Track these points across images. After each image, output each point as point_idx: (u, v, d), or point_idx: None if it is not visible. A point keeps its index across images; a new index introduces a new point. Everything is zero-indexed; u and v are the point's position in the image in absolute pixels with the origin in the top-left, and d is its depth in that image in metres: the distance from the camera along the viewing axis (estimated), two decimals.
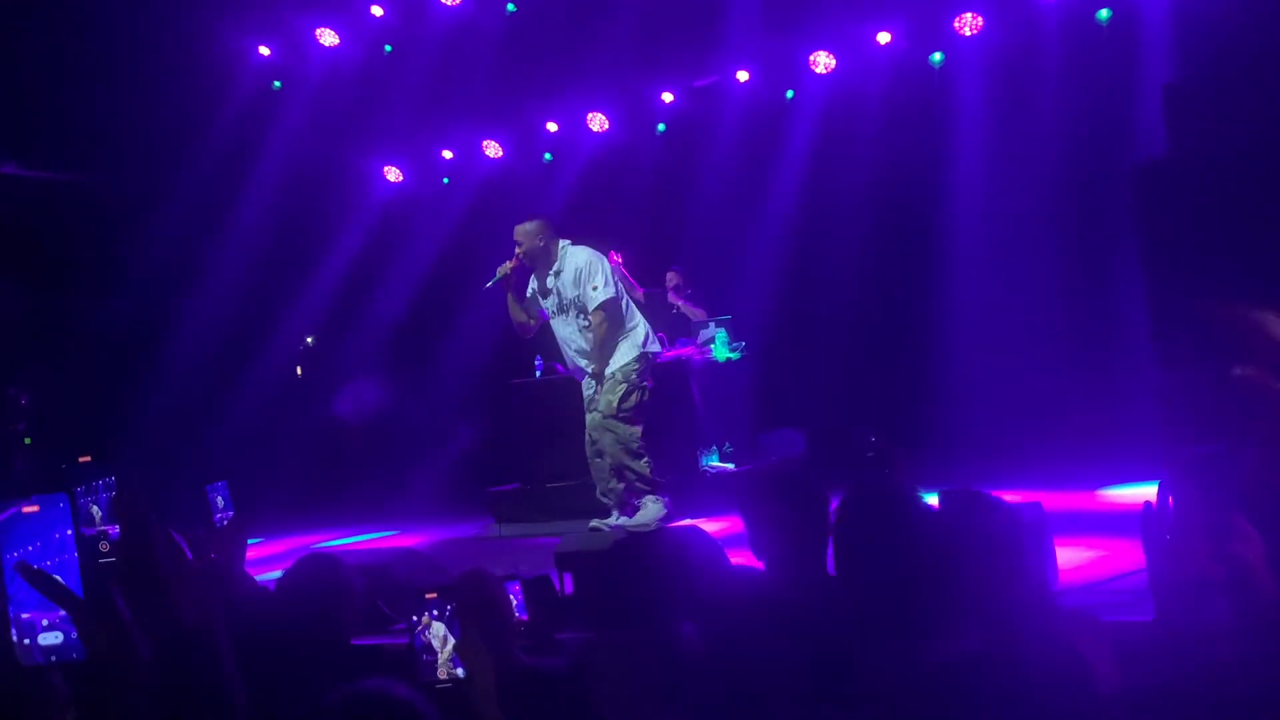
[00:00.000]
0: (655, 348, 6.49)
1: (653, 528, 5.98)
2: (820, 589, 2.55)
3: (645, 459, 6.24)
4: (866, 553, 2.14)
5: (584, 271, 6.26)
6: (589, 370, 6.40)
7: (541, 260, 6.35)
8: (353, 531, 8.50)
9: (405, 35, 9.64)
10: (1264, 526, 1.57)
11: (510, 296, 6.43)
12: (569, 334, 6.41)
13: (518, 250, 6.32)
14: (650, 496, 6.23)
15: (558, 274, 6.34)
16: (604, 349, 6.29)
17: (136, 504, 1.41)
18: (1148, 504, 1.65)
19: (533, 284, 6.49)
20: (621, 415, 6.23)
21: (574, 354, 6.46)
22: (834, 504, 2.45)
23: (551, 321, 6.50)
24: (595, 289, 6.24)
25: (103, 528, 1.42)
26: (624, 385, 6.26)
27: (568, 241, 6.38)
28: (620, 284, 6.48)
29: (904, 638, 2.00)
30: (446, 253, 10.54)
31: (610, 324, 6.28)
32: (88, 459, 1.45)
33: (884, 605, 2.07)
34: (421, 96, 9.68)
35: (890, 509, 2.18)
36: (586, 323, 6.32)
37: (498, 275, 6.33)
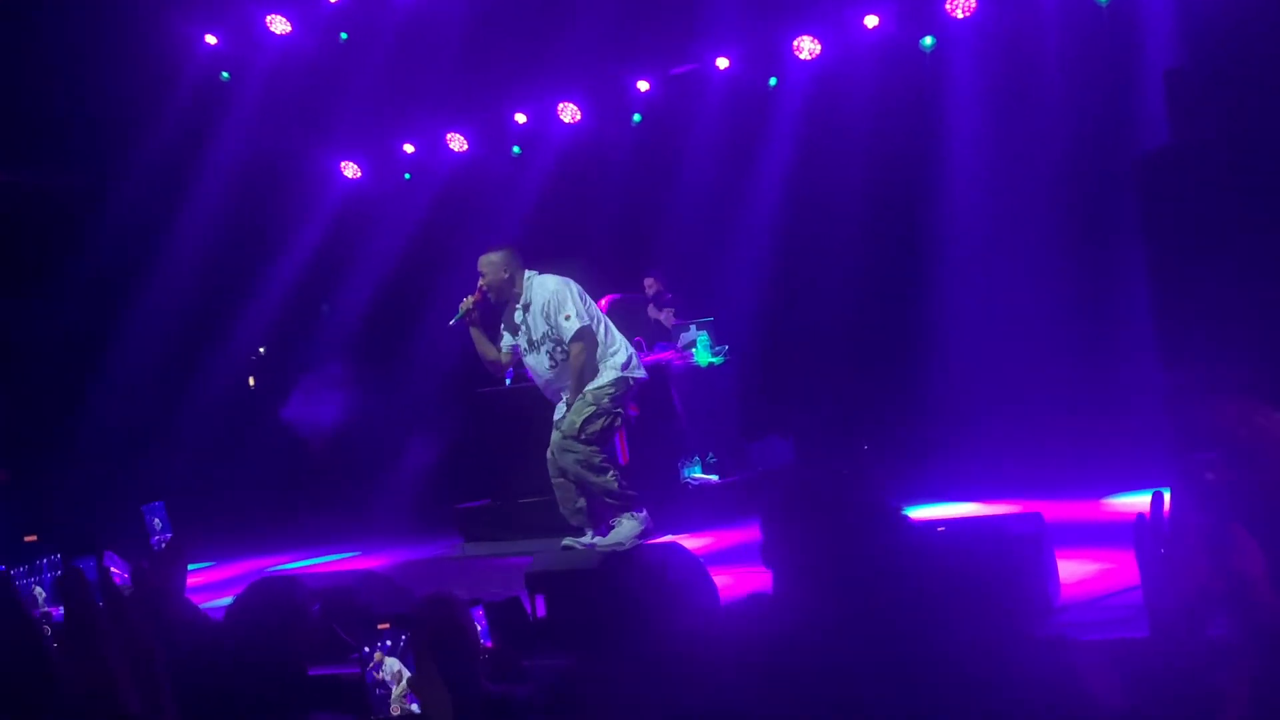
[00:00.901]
0: (639, 373, 6.43)
1: (627, 545, 5.96)
2: (822, 614, 2.54)
3: (611, 473, 6.21)
4: (841, 573, 2.13)
5: (552, 303, 6.18)
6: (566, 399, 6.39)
7: (506, 293, 6.28)
8: (310, 553, 8.45)
9: (362, 21, 9.61)
10: (1264, 538, 1.57)
11: (476, 332, 6.32)
12: (544, 370, 6.37)
13: (481, 282, 6.24)
14: (626, 514, 6.21)
15: (525, 308, 6.29)
16: (583, 379, 6.23)
17: (82, 586, 1.40)
18: (1140, 515, 1.65)
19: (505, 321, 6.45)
20: (583, 437, 6.20)
21: (554, 390, 6.44)
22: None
23: (524, 359, 6.44)
24: (568, 319, 6.15)
25: (46, 609, 1.40)
26: (593, 408, 6.20)
27: (534, 272, 6.33)
28: (593, 307, 6.42)
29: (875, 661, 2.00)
30: (409, 253, 10.51)
31: (589, 353, 6.22)
32: (33, 538, 1.44)
33: (858, 630, 2.07)
34: (380, 87, 9.65)
35: (868, 526, 2.18)
36: (564, 355, 6.26)
37: (460, 311, 6.24)
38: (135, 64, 9.11)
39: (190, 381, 10.18)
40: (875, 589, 2.20)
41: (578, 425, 6.17)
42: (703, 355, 7.83)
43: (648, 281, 8.95)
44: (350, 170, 11.01)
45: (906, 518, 2.35)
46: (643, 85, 9.70)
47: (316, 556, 8.33)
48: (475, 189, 10.39)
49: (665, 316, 8.65)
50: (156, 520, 2.62)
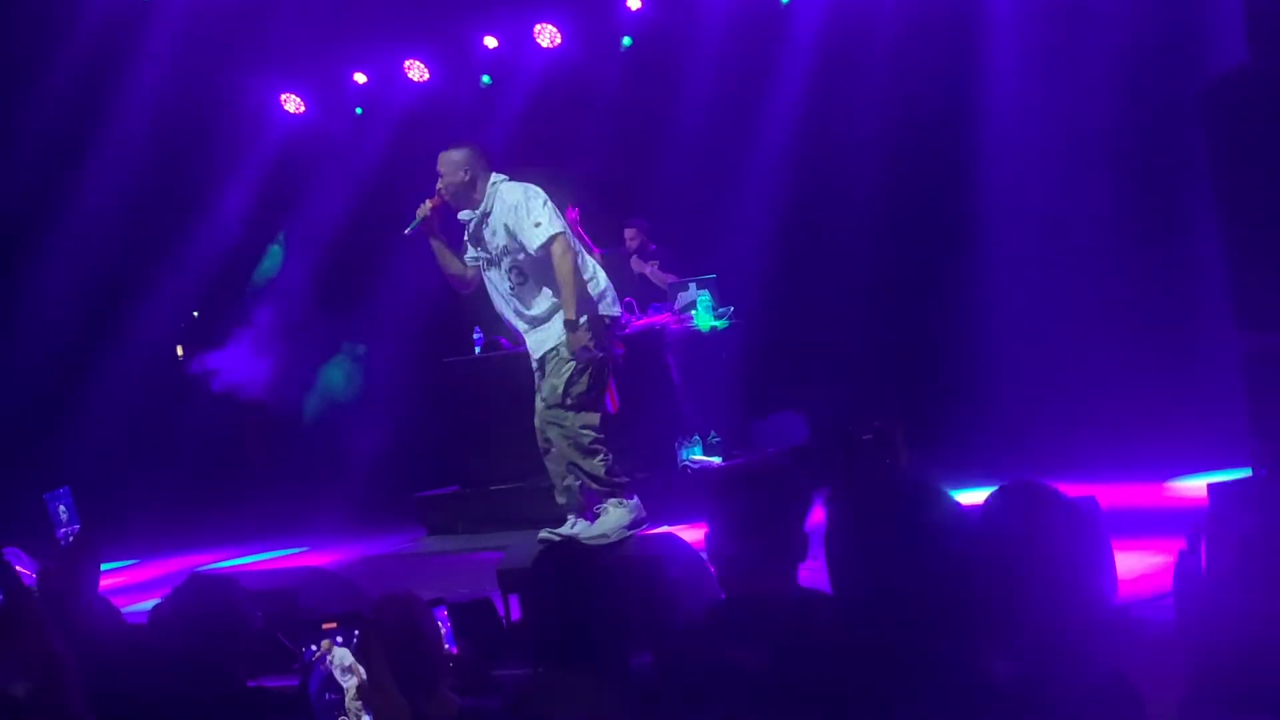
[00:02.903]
0: (614, 310, 6.37)
1: (614, 538, 5.94)
2: (789, 606, 2.55)
3: (601, 456, 6.15)
4: (865, 563, 2.12)
5: (519, 209, 6.05)
6: (529, 336, 6.31)
7: (465, 198, 6.17)
8: (251, 549, 8.47)
9: None
10: None
11: (436, 243, 6.24)
12: (505, 290, 6.27)
13: (440, 184, 6.16)
14: (612, 500, 6.19)
15: (485, 215, 6.19)
16: (576, 290, 6.02)
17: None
18: (1182, 552, 1.64)
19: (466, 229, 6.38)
20: (569, 402, 6.13)
21: (512, 315, 6.37)
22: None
23: (485, 274, 6.33)
24: (538, 225, 5.99)
25: None
26: (570, 364, 6.10)
27: (502, 177, 6.26)
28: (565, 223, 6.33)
29: (917, 666, 1.99)
30: (361, 200, 10.45)
31: (573, 258, 6.03)
32: None
33: (892, 627, 2.05)
34: (327, 6, 9.56)
35: (891, 506, 2.16)
36: (520, 278, 6.20)
37: (417, 218, 6.16)
38: None
39: (105, 350, 10.13)
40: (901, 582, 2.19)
41: (560, 390, 6.10)
42: (703, 318, 7.80)
43: (629, 233, 8.89)
44: (292, 105, 10.92)
45: (937, 491, 2.32)
46: (634, 3, 9.62)
47: (257, 553, 8.34)
48: (438, 125, 10.28)
49: (652, 271, 8.62)
50: (62, 509, 2.59)
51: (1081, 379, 7.68)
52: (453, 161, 6.15)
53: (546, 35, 9.88)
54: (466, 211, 6.18)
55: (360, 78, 10.68)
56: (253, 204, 10.75)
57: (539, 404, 6.25)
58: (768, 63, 9.35)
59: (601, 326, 6.16)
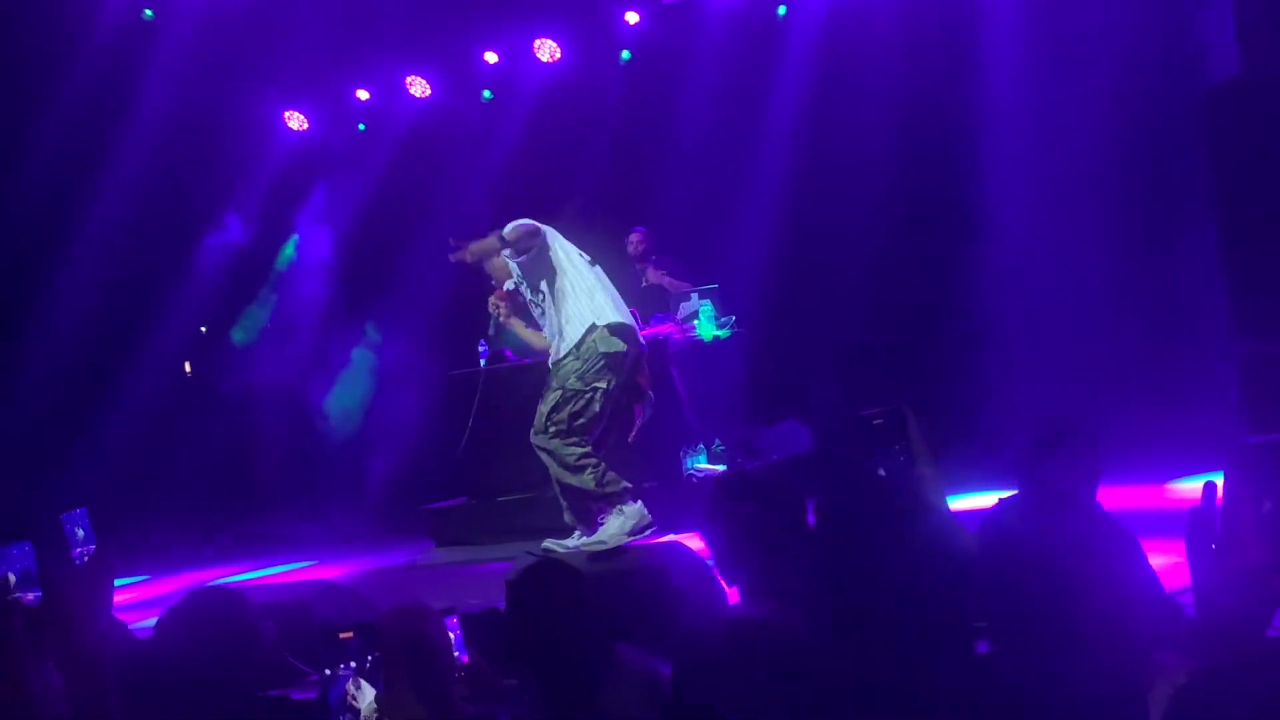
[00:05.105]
0: (617, 346, 6.35)
1: (612, 544, 6.02)
2: (803, 619, 2.55)
3: (590, 469, 6.19)
4: (855, 568, 2.14)
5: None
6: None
7: (506, 271, 6.50)
8: (261, 564, 8.48)
9: None
10: None
11: (517, 325, 6.56)
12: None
13: (506, 269, 6.40)
14: (614, 509, 6.23)
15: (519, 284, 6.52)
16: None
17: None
18: (1193, 507, 1.66)
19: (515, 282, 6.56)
20: (551, 430, 6.22)
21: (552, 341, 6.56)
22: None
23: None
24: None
25: None
26: (558, 393, 6.21)
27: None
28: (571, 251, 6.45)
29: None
30: (366, 216, 10.48)
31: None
32: None
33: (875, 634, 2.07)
34: (329, 24, 9.59)
35: (891, 504, 2.18)
36: (542, 295, 6.36)
37: (496, 317, 6.50)
38: (45, 2, 9.05)
39: (116, 369, 10.15)
40: (886, 591, 2.21)
41: (544, 416, 6.24)
42: (706, 328, 7.81)
43: (633, 238, 8.84)
44: (296, 121, 10.96)
45: (938, 510, 2.35)
46: (631, 17, 9.65)
47: (267, 567, 8.35)
48: (440, 140, 10.35)
49: (664, 279, 8.61)
50: (79, 529, 2.62)
51: (1081, 383, 7.68)
52: (525, 231, 6.17)
53: (546, 50, 9.92)
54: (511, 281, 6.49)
55: (363, 94, 10.72)
56: (258, 219, 10.79)
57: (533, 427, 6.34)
58: (764, 75, 9.37)
59: (599, 362, 6.21)
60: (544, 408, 6.24)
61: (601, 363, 6.18)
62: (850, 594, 2.17)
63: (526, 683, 2.63)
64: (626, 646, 2.58)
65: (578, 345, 6.21)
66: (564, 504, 6.36)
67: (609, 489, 6.20)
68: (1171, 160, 7.44)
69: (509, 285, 6.49)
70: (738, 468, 7.05)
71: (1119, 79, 7.93)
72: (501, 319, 6.52)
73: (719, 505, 2.64)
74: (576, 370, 6.19)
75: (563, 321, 6.26)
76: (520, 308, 6.55)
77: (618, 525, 6.20)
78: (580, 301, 6.23)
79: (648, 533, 6.23)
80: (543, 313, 6.41)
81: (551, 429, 6.19)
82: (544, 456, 6.28)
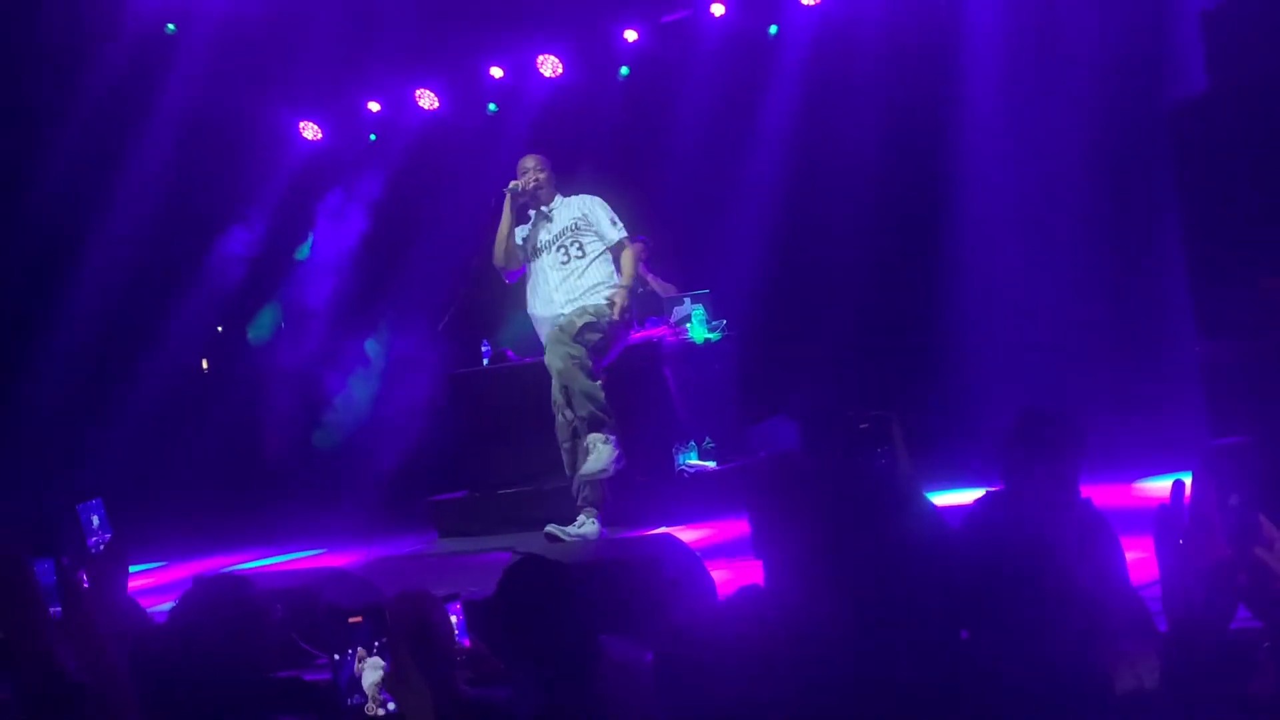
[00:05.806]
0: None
1: (610, 472, 6.31)
2: (816, 604, 2.56)
3: (599, 382, 6.50)
4: (851, 557, 2.15)
5: (601, 207, 6.82)
6: (566, 307, 6.68)
7: (545, 193, 6.83)
8: (271, 551, 8.47)
9: None
10: None
11: (511, 212, 6.75)
12: (551, 271, 6.76)
13: (528, 179, 6.76)
14: (598, 436, 6.36)
15: (551, 210, 6.81)
16: (625, 274, 6.79)
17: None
18: (1161, 504, 1.67)
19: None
20: (580, 339, 6.49)
21: (544, 305, 6.75)
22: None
23: (530, 263, 6.84)
24: (614, 223, 6.79)
25: None
26: (593, 318, 6.57)
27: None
28: None
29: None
30: (374, 222, 10.48)
31: (635, 261, 6.89)
32: None
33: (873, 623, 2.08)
34: (341, 39, 9.59)
35: (881, 500, 2.20)
36: (580, 253, 6.72)
37: (516, 188, 6.73)
38: (67, 15, 9.04)
39: (134, 365, 10.15)
40: (885, 579, 2.22)
41: (577, 325, 6.52)
42: (698, 331, 7.82)
43: (635, 246, 8.89)
44: (310, 132, 10.97)
45: (924, 502, 2.36)
46: (630, 35, 9.67)
47: (277, 555, 8.35)
48: (447, 151, 10.36)
49: (659, 285, 8.64)
50: (95, 518, 2.62)
51: (1056, 386, 7.70)
52: (540, 160, 6.88)
53: (549, 66, 9.93)
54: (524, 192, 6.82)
55: (374, 106, 10.73)
56: (272, 224, 10.79)
57: (548, 341, 6.62)
58: (756, 90, 9.39)
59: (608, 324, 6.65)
60: (577, 319, 6.54)
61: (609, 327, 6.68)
62: (846, 579, 2.18)
63: (522, 672, 2.64)
64: (611, 638, 2.59)
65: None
66: (568, 445, 6.50)
67: (606, 406, 6.43)
68: (1142, 167, 7.47)
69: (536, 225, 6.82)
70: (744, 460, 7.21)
71: (1092, 91, 7.97)
72: (514, 193, 6.76)
73: (756, 489, 2.66)
74: (608, 319, 6.62)
75: (587, 282, 6.70)
76: (522, 209, 6.88)
77: (606, 454, 6.40)
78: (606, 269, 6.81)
79: (620, 465, 6.44)
80: (582, 255, 6.73)
81: (581, 338, 6.50)
82: (562, 351, 6.44)
